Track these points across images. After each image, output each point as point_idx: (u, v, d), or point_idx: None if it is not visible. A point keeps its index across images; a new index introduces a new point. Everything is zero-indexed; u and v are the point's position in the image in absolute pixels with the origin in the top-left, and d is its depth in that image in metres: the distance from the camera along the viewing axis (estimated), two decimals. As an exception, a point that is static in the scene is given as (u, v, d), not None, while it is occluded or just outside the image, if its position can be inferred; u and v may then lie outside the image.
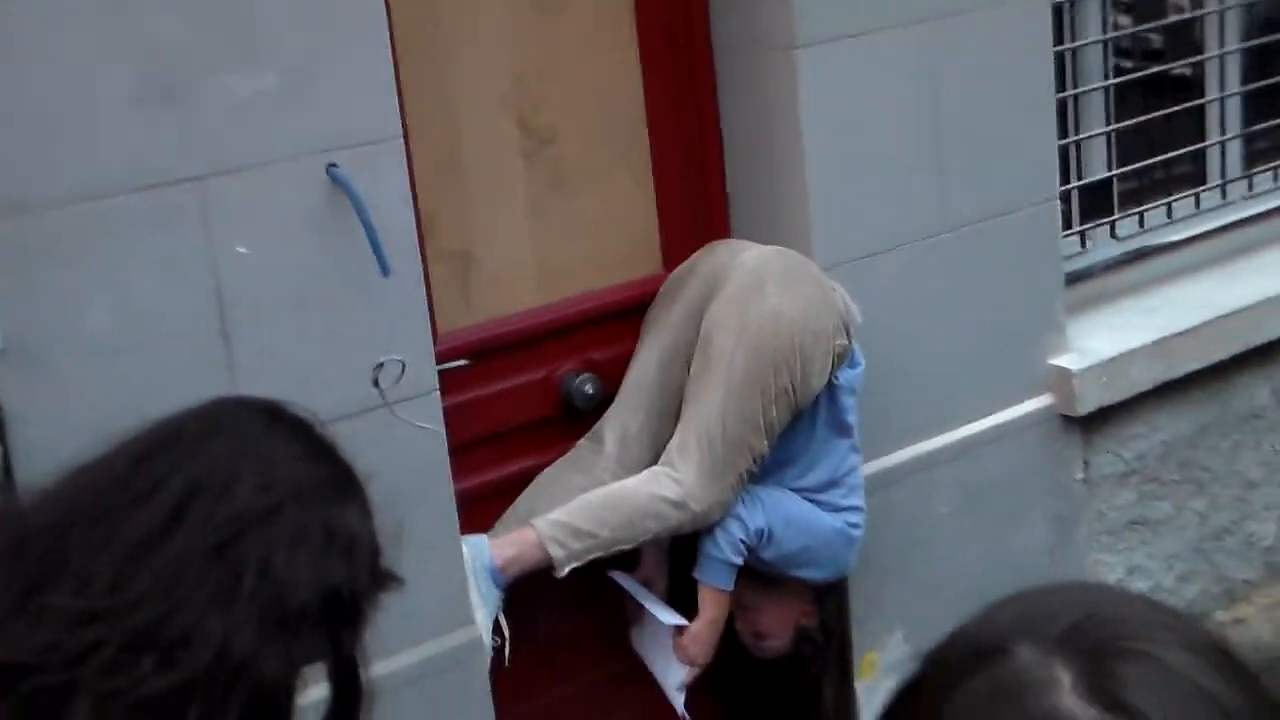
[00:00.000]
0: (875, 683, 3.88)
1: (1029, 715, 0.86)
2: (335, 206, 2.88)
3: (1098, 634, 0.90)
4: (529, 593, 3.42)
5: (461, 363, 3.32)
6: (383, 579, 1.56)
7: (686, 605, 3.56)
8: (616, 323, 3.61)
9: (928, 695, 0.92)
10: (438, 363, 3.17)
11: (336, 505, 1.47)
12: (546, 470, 3.51)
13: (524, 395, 3.53)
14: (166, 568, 1.35)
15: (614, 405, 3.54)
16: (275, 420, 1.53)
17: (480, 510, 3.39)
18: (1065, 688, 0.87)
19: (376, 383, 2.91)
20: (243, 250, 2.80)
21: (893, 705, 0.93)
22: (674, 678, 3.60)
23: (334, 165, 2.85)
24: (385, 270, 2.85)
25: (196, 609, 1.34)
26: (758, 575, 3.59)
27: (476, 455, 3.42)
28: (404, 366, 2.91)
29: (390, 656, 3.12)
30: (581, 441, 3.53)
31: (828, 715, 3.81)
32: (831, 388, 3.46)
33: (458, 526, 3.20)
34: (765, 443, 3.39)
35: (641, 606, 3.59)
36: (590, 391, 3.55)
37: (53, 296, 2.66)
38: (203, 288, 2.78)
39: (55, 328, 2.66)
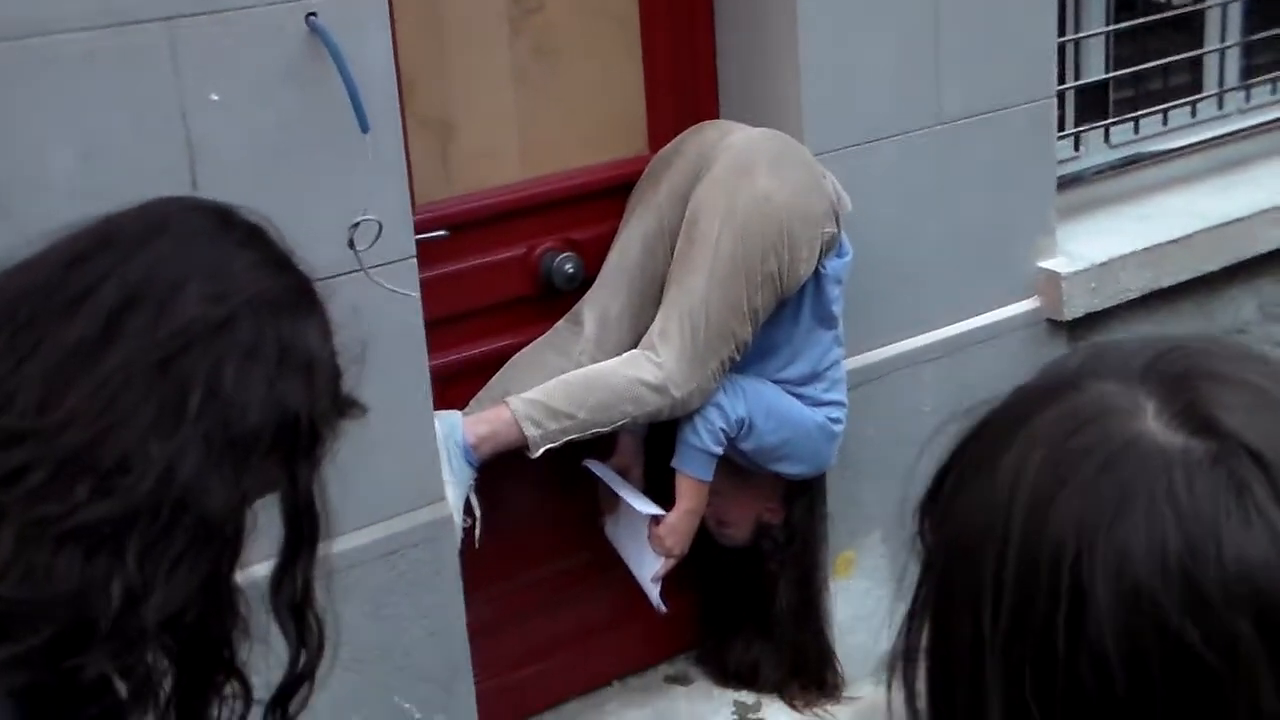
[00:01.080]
0: (851, 581, 3.82)
1: (1109, 439, 0.78)
2: (313, 58, 2.76)
3: (1183, 363, 0.82)
4: (502, 474, 3.34)
5: (440, 233, 3.22)
6: (344, 405, 1.39)
7: (661, 497, 3.49)
8: (600, 202, 3.51)
9: (997, 431, 0.83)
10: (415, 233, 3.06)
11: (294, 320, 1.31)
12: (523, 350, 3.42)
13: (502, 272, 3.43)
14: (102, 384, 1.21)
15: (594, 286, 3.45)
16: (226, 224, 1.36)
17: (454, 389, 3.31)
18: (1149, 413, 0.79)
19: (352, 243, 2.81)
20: (215, 98, 2.69)
21: (958, 448, 0.85)
22: (649, 569, 3.53)
23: (313, 15, 2.74)
24: (364, 126, 2.74)
25: (136, 431, 1.20)
26: (728, 464, 3.51)
27: (452, 332, 3.33)
28: (380, 227, 2.81)
29: (358, 531, 3.05)
30: (560, 323, 3.44)
31: (786, 613, 3.74)
32: (818, 276, 3.37)
33: (431, 401, 3.11)
34: (749, 329, 3.31)
35: (616, 496, 3.52)
36: (570, 271, 3.45)
37: (12, 136, 2.54)
38: (172, 136, 2.66)
39: (15, 170, 2.55)
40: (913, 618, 0.86)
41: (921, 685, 0.85)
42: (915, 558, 0.87)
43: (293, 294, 1.35)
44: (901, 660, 0.86)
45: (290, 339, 1.29)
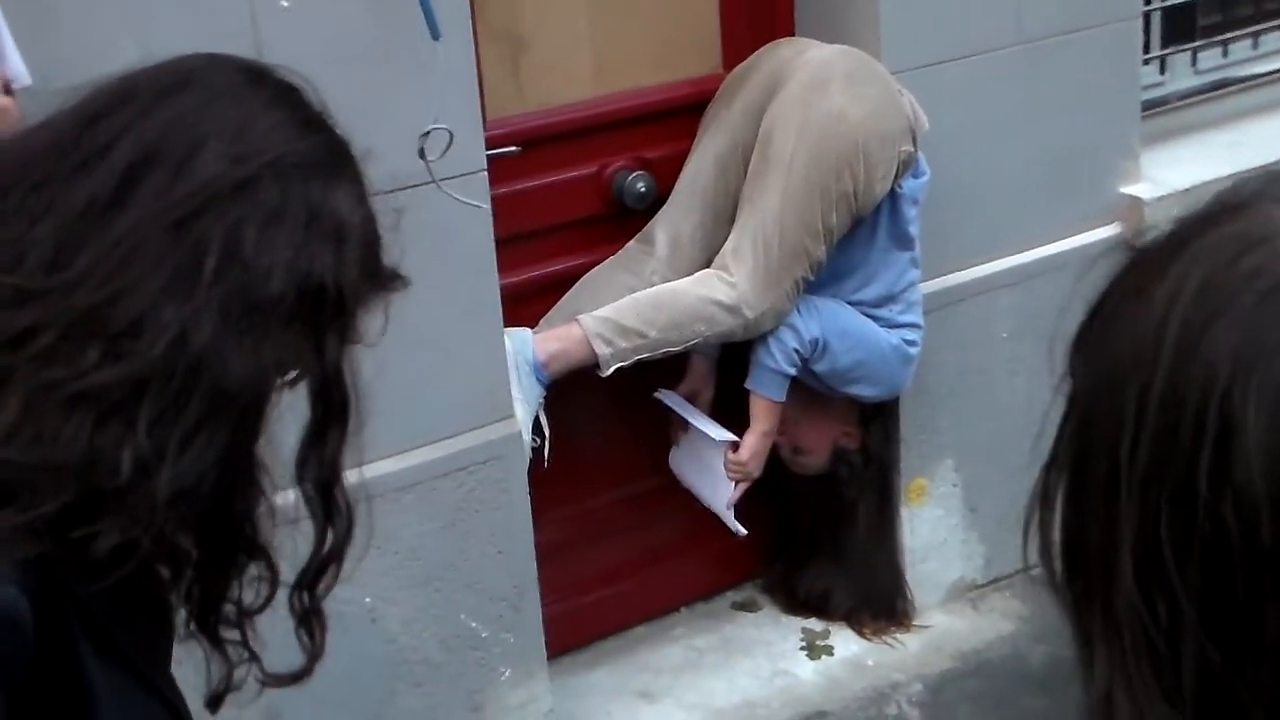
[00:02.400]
0: (923, 509, 3.77)
1: (1278, 263, 0.71)
2: (384, -36, 2.73)
3: None
4: (573, 397, 3.32)
5: (511, 149, 3.18)
6: (380, 276, 1.30)
7: (733, 420, 3.45)
8: (673, 120, 3.46)
9: (1154, 258, 0.76)
10: (486, 149, 3.03)
11: (323, 183, 1.22)
12: (594, 270, 3.38)
13: (574, 190, 3.39)
14: (114, 245, 1.14)
15: (667, 206, 3.40)
16: (256, 81, 1.26)
17: (524, 308, 3.28)
18: None
19: (422, 153, 2.78)
20: (285, 4, 2.66)
21: (1112, 279, 0.77)
22: (723, 495, 3.50)
23: (385, -80, 2.70)
24: (435, 33, 2.70)
25: (149, 294, 1.13)
26: (802, 388, 3.47)
27: (522, 250, 3.30)
28: (451, 137, 2.77)
29: (428, 446, 3.04)
30: (631, 243, 3.40)
31: (862, 540, 3.71)
32: (894, 196, 3.31)
33: (501, 317, 3.08)
34: (823, 249, 3.25)
35: (685, 425, 3.48)
36: (642, 190, 3.41)
37: (78, 35, 2.52)
38: (241, 41, 2.63)
39: (82, 72, 2.52)
40: (1051, 465, 0.79)
41: (1057, 536, 0.78)
42: (1060, 401, 0.80)
43: (323, 155, 1.25)
44: (1038, 508, 0.79)
45: (319, 203, 1.21)
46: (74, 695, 1.16)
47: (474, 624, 3.15)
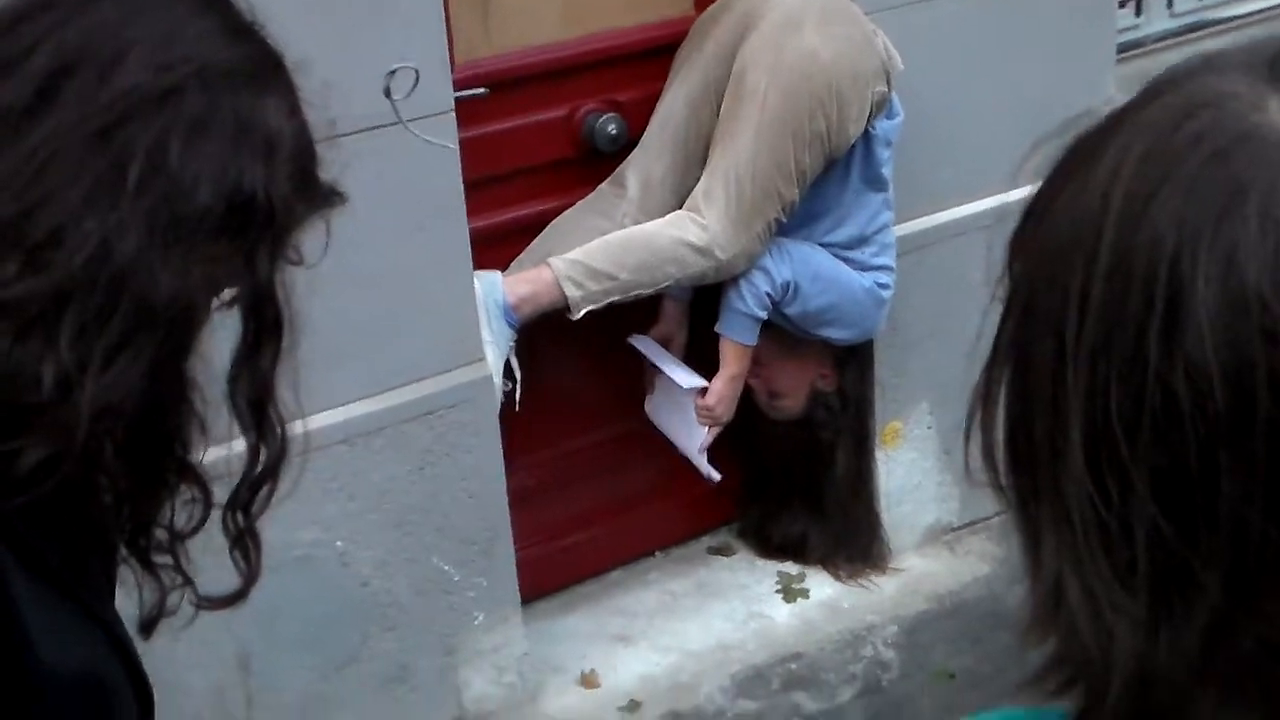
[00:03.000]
0: (898, 452, 3.77)
1: (1223, 128, 0.69)
2: (348, -100, 2.70)
3: None
4: (546, 341, 3.30)
5: (479, 91, 3.15)
6: (316, 191, 1.25)
7: (706, 364, 3.44)
8: (643, 62, 3.43)
9: (1094, 136, 0.74)
10: (454, 90, 3.00)
11: (253, 94, 1.18)
12: (565, 213, 3.36)
13: (544, 133, 3.36)
14: (32, 153, 1.10)
15: (638, 148, 3.38)
16: None
17: (494, 251, 3.25)
18: (1272, 107, 0.69)
19: (388, 92, 2.75)
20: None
21: (1067, 150, 0.75)
22: (695, 440, 3.50)
23: None
24: (400, -30, 2.68)
25: (69, 204, 1.10)
26: (777, 332, 3.46)
27: (492, 194, 3.27)
28: (417, 76, 2.75)
29: (397, 389, 3.02)
30: (603, 185, 3.38)
31: (840, 482, 3.71)
32: (867, 137, 3.29)
33: (471, 259, 3.06)
34: (796, 190, 3.24)
35: (659, 372, 3.47)
36: (613, 133, 3.38)
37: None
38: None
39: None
40: (993, 362, 0.76)
41: (1000, 435, 0.76)
42: (999, 301, 0.77)
43: (253, 65, 1.20)
44: (980, 407, 0.76)
45: (247, 113, 1.17)
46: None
47: (446, 567, 3.15)
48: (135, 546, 1.26)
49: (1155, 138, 0.70)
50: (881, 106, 3.28)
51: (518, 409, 3.20)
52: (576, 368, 3.54)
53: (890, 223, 3.45)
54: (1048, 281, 0.72)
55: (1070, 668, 0.73)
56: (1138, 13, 4.18)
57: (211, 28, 1.19)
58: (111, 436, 1.14)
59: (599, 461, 3.67)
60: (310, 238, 1.26)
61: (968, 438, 0.77)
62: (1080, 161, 0.73)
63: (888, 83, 3.27)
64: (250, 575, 1.29)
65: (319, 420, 2.92)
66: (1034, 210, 0.76)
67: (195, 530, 1.26)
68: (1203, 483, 0.65)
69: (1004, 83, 3.66)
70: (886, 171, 3.37)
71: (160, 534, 1.26)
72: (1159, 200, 0.68)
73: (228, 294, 1.21)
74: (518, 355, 3.20)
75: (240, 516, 1.27)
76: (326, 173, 1.25)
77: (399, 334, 2.97)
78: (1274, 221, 0.65)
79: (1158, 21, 4.23)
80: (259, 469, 1.25)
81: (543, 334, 3.27)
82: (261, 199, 1.16)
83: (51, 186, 1.10)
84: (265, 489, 1.26)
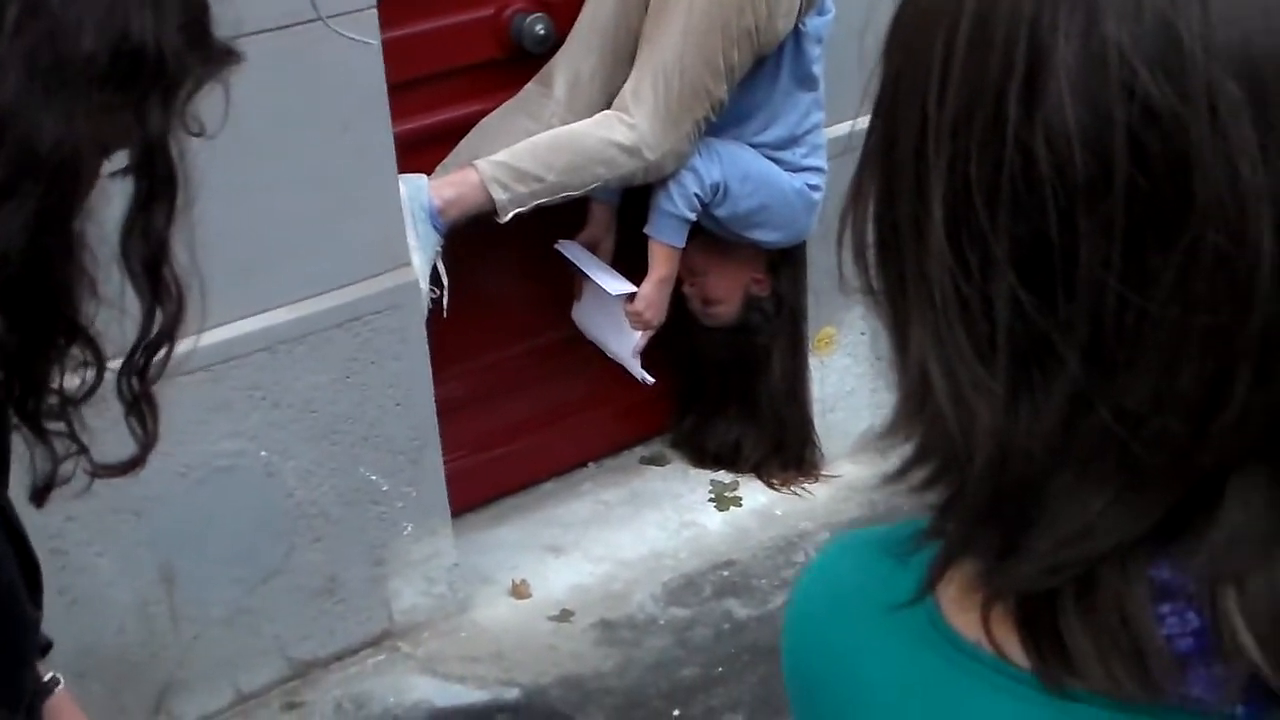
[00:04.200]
0: (831, 358, 3.74)
1: None
2: None
3: None
4: (474, 248, 3.24)
5: (401, -13, 3.06)
6: (209, 48, 1.20)
7: (636, 267, 3.39)
8: (572, -40, 3.35)
9: None
10: (376, -12, 2.91)
11: None
12: (492, 114, 3.29)
13: (470, 33, 3.28)
14: None
15: (565, 46, 3.31)
16: None
17: (420, 155, 3.18)
18: None
19: (304, -15, 2.66)
20: None
21: None
22: (627, 345, 3.45)
23: None
24: None
25: None
26: (709, 238, 3.42)
27: (417, 96, 3.19)
28: (335, -33, 2.66)
29: (321, 295, 2.95)
30: (530, 85, 3.31)
31: (775, 388, 3.68)
32: (797, 34, 3.24)
33: (395, 161, 2.98)
34: (725, 88, 3.18)
35: (587, 278, 3.42)
36: (541, 32, 3.30)
37: None
38: None
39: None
40: (864, 161, 0.74)
41: (871, 233, 0.74)
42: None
43: None
44: (851, 207, 0.75)
45: None
46: None
47: (374, 477, 3.09)
48: (24, 411, 1.19)
49: None
50: (812, 3, 3.22)
51: (445, 315, 3.14)
52: (505, 274, 3.48)
53: (821, 123, 3.40)
54: (912, 59, 0.70)
55: (935, 458, 0.72)
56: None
57: None
58: (8, 291, 1.08)
59: (530, 371, 3.62)
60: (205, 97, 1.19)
61: (840, 242, 0.75)
62: None
63: (819, -22, 3.21)
64: (147, 441, 1.24)
65: (240, 328, 2.85)
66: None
67: (88, 395, 1.20)
68: (1062, 250, 0.64)
69: (936, -19, 3.60)
70: (817, 70, 3.32)
71: (52, 400, 1.20)
72: None
73: (123, 159, 1.15)
74: (444, 261, 3.13)
75: (136, 381, 1.21)
76: (218, 28, 1.19)
77: (322, 239, 2.90)
78: None
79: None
80: (155, 331, 1.19)
81: (471, 239, 3.20)
82: (150, 48, 1.10)
83: None
84: (162, 352, 1.21)
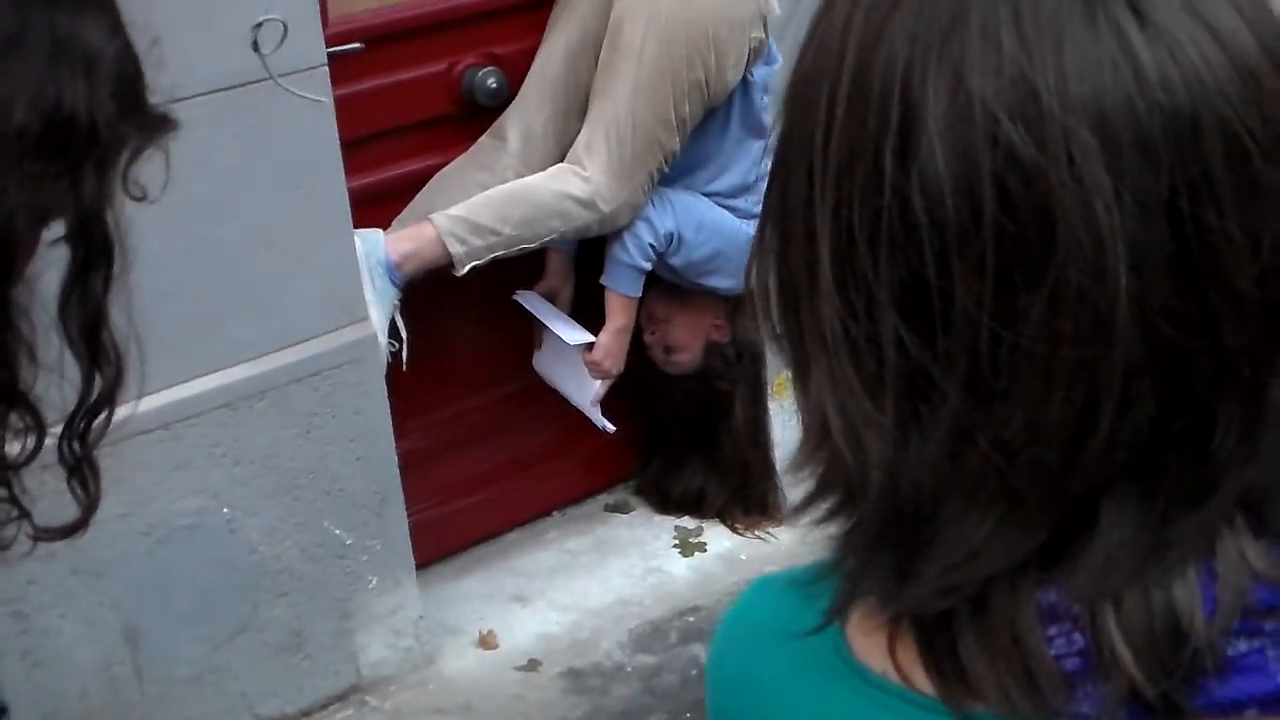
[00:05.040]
0: (790, 402, 3.77)
1: None
2: None
3: None
4: (432, 300, 3.27)
5: (354, 46, 3.10)
6: (145, 115, 1.21)
7: (594, 316, 3.42)
8: (521, 16, 3.40)
9: None
10: (328, 46, 2.95)
11: (68, 11, 1.14)
12: (447, 168, 3.33)
13: (422, 89, 3.32)
14: None
15: (517, 100, 3.35)
16: None
17: (376, 211, 3.21)
18: None
19: (256, 46, 2.69)
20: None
21: None
22: (587, 394, 3.48)
23: None
24: (265, -80, 2.62)
25: None
26: (668, 287, 3.46)
27: (371, 152, 3.23)
28: (285, 28, 2.69)
29: (280, 351, 2.97)
30: (483, 138, 3.35)
31: (738, 433, 3.71)
32: (746, 84, 3.29)
33: (350, 216, 3.01)
34: (676, 139, 3.23)
35: (546, 328, 3.45)
36: (494, 87, 3.35)
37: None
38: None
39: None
40: (764, 213, 0.79)
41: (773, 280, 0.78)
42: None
43: None
44: (755, 256, 0.79)
45: (64, 31, 1.12)
46: None
47: (338, 531, 3.10)
48: None
49: None
50: (759, 53, 3.27)
51: (405, 369, 3.16)
52: (465, 325, 3.51)
53: (773, 170, 3.44)
54: (800, 115, 0.74)
55: (835, 491, 0.77)
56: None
57: None
58: None
59: (491, 421, 3.64)
60: (150, 171, 1.22)
61: (747, 290, 0.80)
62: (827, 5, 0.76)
63: (764, 29, 3.26)
64: (89, 504, 1.25)
65: (200, 385, 2.87)
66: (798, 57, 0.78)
67: (29, 460, 1.22)
68: (939, 290, 0.69)
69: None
70: (766, 118, 3.37)
71: None
72: (893, 22, 0.71)
73: (60, 228, 1.18)
74: (403, 314, 3.16)
75: (77, 445, 1.23)
76: (153, 95, 1.21)
77: (280, 295, 2.92)
78: (995, 33, 0.68)
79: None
80: (94, 396, 1.21)
81: (428, 291, 3.23)
82: (82, 117, 1.12)
83: None
84: (102, 416, 1.23)
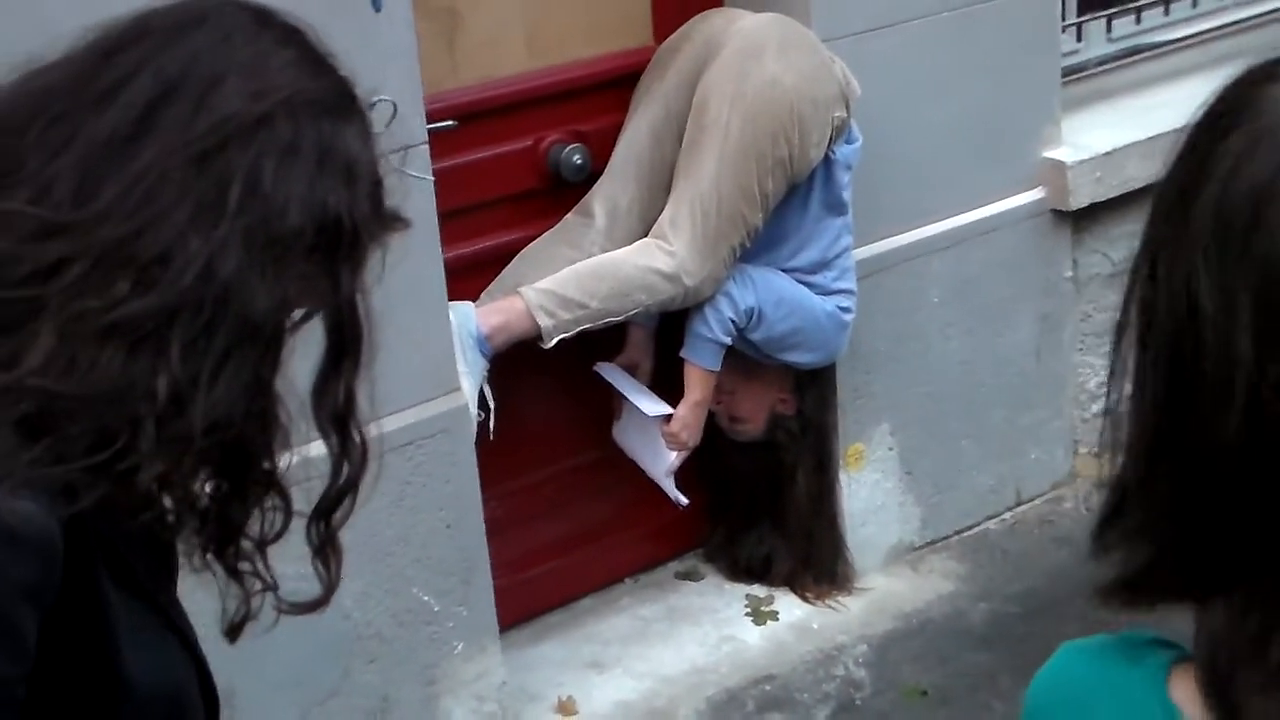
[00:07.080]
0: (861, 474, 3.83)
1: None
2: (322, -62, 2.72)
3: None
4: (516, 370, 3.33)
5: (449, 123, 3.18)
6: (385, 215, 1.34)
7: (672, 389, 3.48)
8: (606, 93, 3.48)
9: (1228, 117, 0.86)
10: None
11: (334, 122, 1.25)
12: (534, 243, 3.40)
13: (510, 164, 3.40)
14: (139, 177, 1.16)
15: (603, 177, 3.43)
16: (264, 21, 1.27)
17: (465, 282, 3.28)
18: None
19: (366, 126, 2.77)
20: (226, -23, 2.64)
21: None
22: (662, 465, 3.54)
23: (322, -107, 2.69)
24: (377, 5, 2.71)
25: (176, 225, 1.15)
26: (738, 357, 3.51)
27: (461, 225, 3.30)
28: (395, 109, 2.77)
29: (375, 421, 3.02)
30: (570, 215, 3.42)
31: (801, 502, 3.75)
32: (828, 162, 3.36)
33: (445, 290, 3.09)
34: (760, 215, 3.30)
35: (626, 400, 3.51)
36: (579, 163, 3.43)
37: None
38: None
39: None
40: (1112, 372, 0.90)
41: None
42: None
43: (332, 95, 1.27)
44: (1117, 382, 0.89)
45: (330, 140, 1.23)
46: (95, 625, 1.17)
47: (426, 598, 3.16)
48: (222, 554, 1.28)
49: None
50: (841, 131, 3.34)
51: (492, 438, 3.22)
52: (548, 396, 3.57)
53: (850, 246, 3.51)
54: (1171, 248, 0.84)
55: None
56: (1078, 39, 4.27)
57: (294, 58, 1.24)
58: (215, 451, 1.16)
59: (569, 490, 3.70)
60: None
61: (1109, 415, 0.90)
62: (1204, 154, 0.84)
63: (846, 108, 3.33)
64: (331, 582, 1.32)
65: (300, 453, 2.92)
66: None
67: (277, 537, 1.29)
68: None
69: (956, 108, 3.74)
70: (847, 196, 3.43)
71: (245, 543, 1.28)
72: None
73: (297, 314, 1.25)
74: (490, 385, 3.22)
75: (323, 527, 1.30)
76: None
77: (377, 365, 2.97)
78: None
79: (1096, 47, 4.33)
80: (342, 480, 1.28)
81: (514, 362, 3.30)
82: (346, 220, 1.21)
83: (159, 209, 1.14)
84: (348, 500, 1.29)
